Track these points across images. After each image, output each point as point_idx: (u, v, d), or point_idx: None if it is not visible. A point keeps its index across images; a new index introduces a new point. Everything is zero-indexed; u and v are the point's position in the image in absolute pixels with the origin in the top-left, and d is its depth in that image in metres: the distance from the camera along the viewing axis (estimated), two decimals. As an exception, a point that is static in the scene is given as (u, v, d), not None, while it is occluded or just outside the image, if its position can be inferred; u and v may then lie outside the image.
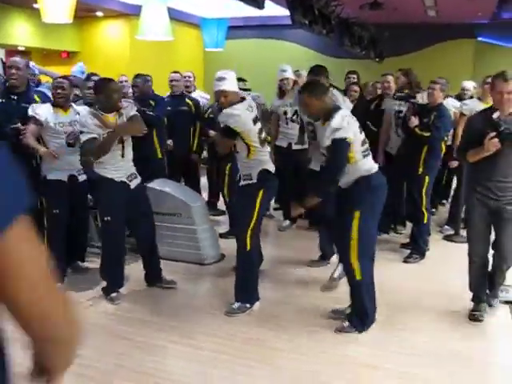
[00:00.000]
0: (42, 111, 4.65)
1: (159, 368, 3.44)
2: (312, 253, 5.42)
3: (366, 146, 3.85)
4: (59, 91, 4.72)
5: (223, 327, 4.00)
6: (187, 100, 6.68)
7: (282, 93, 6.39)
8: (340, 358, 3.58)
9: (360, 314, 3.92)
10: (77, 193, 4.87)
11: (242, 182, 4.22)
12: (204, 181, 7.40)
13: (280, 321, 4.12)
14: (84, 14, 10.82)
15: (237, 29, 12.33)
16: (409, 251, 5.62)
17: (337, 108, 3.83)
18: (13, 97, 4.78)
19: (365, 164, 3.80)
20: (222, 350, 3.65)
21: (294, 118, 6.28)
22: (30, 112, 4.61)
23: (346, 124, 3.66)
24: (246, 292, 4.25)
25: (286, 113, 6.35)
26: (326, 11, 7.25)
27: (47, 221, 4.76)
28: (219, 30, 11.65)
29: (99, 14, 11.27)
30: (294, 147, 6.24)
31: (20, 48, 11.43)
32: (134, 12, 10.67)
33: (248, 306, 4.24)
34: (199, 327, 4.00)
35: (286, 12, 9.35)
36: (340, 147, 3.66)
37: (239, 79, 5.85)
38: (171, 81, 6.73)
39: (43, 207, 4.75)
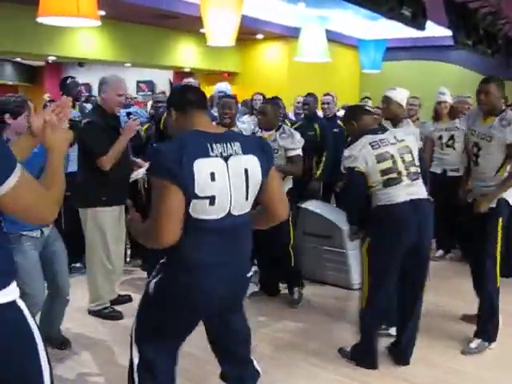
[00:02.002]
0: None
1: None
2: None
3: (391, 175, 3.48)
4: (227, 111, 4.77)
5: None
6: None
7: (437, 116, 6.16)
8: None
9: None
10: None
11: None
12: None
13: (432, 355, 3.93)
14: (245, 37, 11.27)
15: (394, 50, 12.12)
16: None
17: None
18: None
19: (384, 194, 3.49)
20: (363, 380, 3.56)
21: (450, 142, 6.02)
22: None
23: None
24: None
25: (441, 137, 6.09)
26: (493, 30, 6.87)
27: None
28: (376, 51, 11.53)
29: (259, 36, 11.68)
30: (449, 174, 5.98)
31: (186, 69, 12.19)
32: (292, 34, 10.92)
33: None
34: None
35: (445, 32, 9.01)
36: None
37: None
38: (323, 103, 6.75)
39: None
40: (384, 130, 3.65)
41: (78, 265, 5.49)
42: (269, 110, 4.72)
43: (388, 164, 3.48)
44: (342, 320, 4.58)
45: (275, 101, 5.56)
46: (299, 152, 4.72)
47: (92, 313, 4.46)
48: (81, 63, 14.44)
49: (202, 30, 9.69)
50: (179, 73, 12.90)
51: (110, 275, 4.48)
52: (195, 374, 3.53)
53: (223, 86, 7.34)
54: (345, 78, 12.78)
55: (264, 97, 7.19)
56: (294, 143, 4.69)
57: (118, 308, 4.52)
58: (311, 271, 5.28)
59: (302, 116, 6.69)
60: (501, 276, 5.20)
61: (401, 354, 3.75)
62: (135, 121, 4.48)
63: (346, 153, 3.56)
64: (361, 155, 3.47)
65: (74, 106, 5.64)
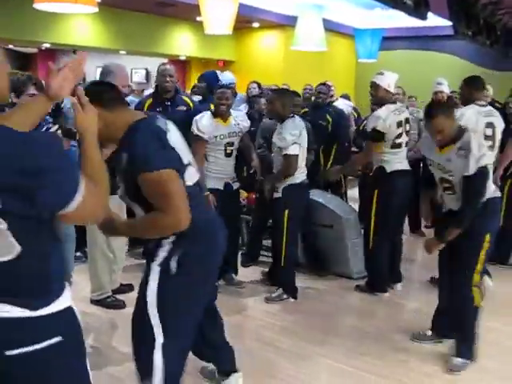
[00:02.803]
0: (205, 126, 4.60)
1: (297, 377, 3.46)
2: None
3: None
4: (223, 101, 4.67)
5: (372, 346, 3.93)
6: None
7: None
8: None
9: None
10: (232, 201, 4.88)
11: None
12: (352, 193, 7.34)
13: (436, 347, 3.96)
14: (241, 25, 11.20)
15: (391, 40, 12.09)
16: None
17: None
18: (167, 103, 5.00)
19: None
20: (371, 370, 3.58)
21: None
22: (195, 131, 4.59)
23: None
24: None
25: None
26: (492, 20, 6.87)
27: None
28: (373, 40, 11.50)
29: (255, 24, 11.62)
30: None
31: (181, 57, 12.13)
32: (289, 23, 10.87)
33: None
34: (347, 343, 3.97)
35: (443, 22, 9.02)
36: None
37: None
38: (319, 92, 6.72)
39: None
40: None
41: (77, 254, 5.47)
42: (273, 99, 4.66)
43: None
44: (343, 310, 4.62)
45: (284, 90, 5.50)
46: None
47: (94, 302, 4.45)
48: (75, 50, 14.29)
49: (198, 18, 9.64)
50: (175, 61, 12.82)
51: (111, 264, 4.47)
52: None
53: (230, 77, 7.32)
54: (341, 67, 12.75)
55: (259, 85, 7.17)
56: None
57: (119, 297, 4.52)
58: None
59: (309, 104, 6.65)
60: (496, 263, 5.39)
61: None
62: None
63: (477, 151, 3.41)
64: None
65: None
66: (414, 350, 3.88)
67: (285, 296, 4.74)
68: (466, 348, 3.63)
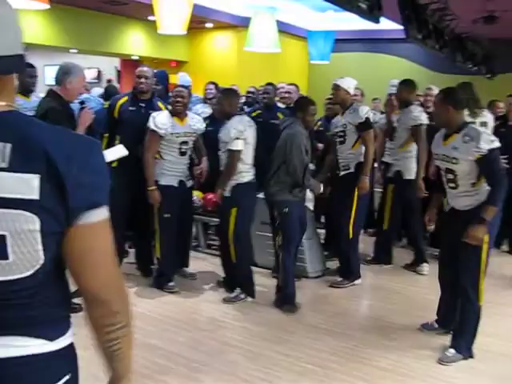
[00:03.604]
0: (162, 122, 4.75)
1: (258, 376, 3.49)
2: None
3: None
4: (179, 99, 4.80)
5: (329, 342, 3.99)
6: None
7: (388, 108, 6.30)
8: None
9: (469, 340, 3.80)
10: (185, 198, 5.04)
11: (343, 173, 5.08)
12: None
13: (386, 340, 4.05)
14: (194, 26, 11.15)
15: (343, 42, 12.28)
16: None
17: None
18: (141, 104, 5.03)
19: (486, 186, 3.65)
20: (326, 366, 3.64)
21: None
22: (152, 125, 4.72)
23: None
24: None
25: (393, 129, 6.23)
26: (440, 26, 7.08)
27: (159, 224, 4.94)
28: (325, 42, 11.63)
29: (209, 25, 11.59)
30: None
31: (133, 57, 11.99)
32: (242, 24, 10.89)
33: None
34: (306, 341, 4.02)
35: (394, 26, 9.23)
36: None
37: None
38: (286, 92, 6.78)
39: (153, 211, 4.93)
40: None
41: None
42: (221, 100, 4.79)
43: None
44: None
45: (230, 90, 5.54)
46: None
47: None
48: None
49: (150, 18, 9.55)
50: (127, 60, 12.67)
51: None
52: (165, 366, 3.55)
53: (186, 79, 7.35)
54: (294, 68, 12.85)
55: (216, 86, 7.17)
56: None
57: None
58: (270, 262, 5.32)
59: (261, 105, 6.67)
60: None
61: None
62: (90, 110, 4.41)
63: (489, 136, 3.63)
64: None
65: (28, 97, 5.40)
66: (375, 345, 3.97)
67: (242, 296, 4.77)
68: (463, 342, 3.76)
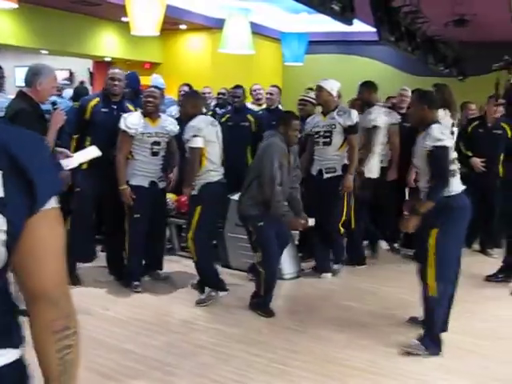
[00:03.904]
0: (132, 122, 4.80)
1: (233, 378, 3.47)
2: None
3: (454, 166, 3.89)
4: (150, 99, 4.86)
5: (303, 343, 3.99)
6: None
7: (357, 109, 6.34)
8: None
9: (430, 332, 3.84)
10: (157, 199, 5.03)
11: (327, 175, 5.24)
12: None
13: (360, 340, 4.07)
14: (168, 27, 11.09)
15: (317, 44, 12.32)
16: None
17: None
18: (113, 106, 5.00)
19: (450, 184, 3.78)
20: (299, 366, 3.64)
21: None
22: (122, 126, 4.78)
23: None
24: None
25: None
26: (412, 28, 7.15)
27: (128, 225, 4.94)
28: (299, 44, 11.68)
29: (182, 26, 11.54)
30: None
31: (106, 59, 11.88)
32: (216, 25, 10.87)
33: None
34: (279, 342, 4.01)
35: (367, 28, 9.29)
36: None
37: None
38: (268, 93, 6.82)
39: (124, 211, 4.93)
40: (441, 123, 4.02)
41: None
42: (184, 103, 4.95)
43: (454, 155, 3.94)
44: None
45: (193, 92, 5.54)
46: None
47: None
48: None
49: (123, 19, 9.48)
50: (100, 62, 12.55)
51: None
52: (138, 369, 3.52)
53: (160, 81, 7.34)
54: (268, 70, 12.85)
55: (190, 88, 7.15)
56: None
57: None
58: (244, 264, 5.29)
59: (230, 108, 6.66)
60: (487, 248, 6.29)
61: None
62: (62, 111, 4.36)
63: (437, 134, 3.77)
64: (448, 139, 3.85)
65: None
66: (348, 345, 3.98)
67: (213, 294, 4.75)
68: (426, 335, 3.81)
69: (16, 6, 6.01)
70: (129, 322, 4.32)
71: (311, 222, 4.77)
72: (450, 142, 3.88)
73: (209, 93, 7.67)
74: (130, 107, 5.18)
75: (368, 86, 5.77)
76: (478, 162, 6.13)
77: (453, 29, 8.69)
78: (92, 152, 4.65)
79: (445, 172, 3.77)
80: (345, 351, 3.89)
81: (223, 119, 6.19)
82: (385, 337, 4.15)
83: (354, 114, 5.29)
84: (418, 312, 4.27)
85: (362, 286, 5.28)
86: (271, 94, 6.68)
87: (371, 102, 5.71)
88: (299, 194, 4.79)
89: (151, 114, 4.89)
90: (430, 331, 3.82)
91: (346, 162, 5.30)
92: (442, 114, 5.82)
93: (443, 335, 3.88)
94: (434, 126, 3.84)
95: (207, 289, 4.78)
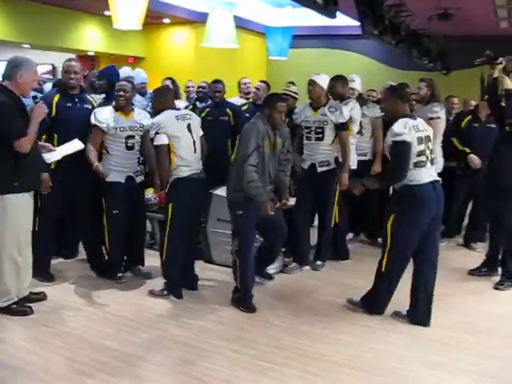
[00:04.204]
0: (104, 117, 4.80)
1: (215, 376, 3.43)
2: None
3: (421, 158, 4.10)
4: (121, 93, 4.85)
5: (286, 339, 3.96)
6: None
7: None
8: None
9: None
10: (134, 194, 5.01)
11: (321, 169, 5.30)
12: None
13: (343, 335, 4.05)
14: (151, 21, 11.00)
15: (301, 38, 12.29)
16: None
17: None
18: (76, 99, 4.92)
19: (412, 174, 4.05)
20: (283, 363, 3.61)
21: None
22: (93, 120, 4.77)
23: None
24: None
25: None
26: (396, 22, 7.13)
27: (107, 221, 4.92)
28: (284, 38, 11.65)
29: (166, 20, 11.45)
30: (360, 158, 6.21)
31: (90, 53, 11.76)
32: (200, 19, 10.80)
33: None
34: (261, 338, 3.97)
35: (352, 22, 9.27)
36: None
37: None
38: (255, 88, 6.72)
39: (101, 208, 4.93)
40: (414, 117, 4.23)
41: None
42: (154, 98, 4.97)
43: (421, 147, 4.09)
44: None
45: (162, 88, 5.48)
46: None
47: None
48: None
49: (106, 13, 9.37)
50: (82, 56, 12.40)
51: (19, 270, 4.23)
52: (119, 367, 3.47)
53: (142, 76, 7.33)
54: (252, 64, 12.80)
55: (173, 82, 7.09)
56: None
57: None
58: (227, 259, 5.23)
59: (210, 102, 6.60)
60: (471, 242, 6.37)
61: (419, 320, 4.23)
62: (43, 104, 4.30)
63: (397, 129, 4.03)
64: (409, 133, 4.03)
65: None
66: (330, 341, 3.96)
67: (165, 292, 4.69)
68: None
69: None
70: (109, 318, 4.26)
71: (292, 201, 4.80)
72: (409, 136, 4.02)
73: (192, 87, 7.61)
74: (89, 97, 5.13)
75: (338, 79, 5.68)
76: (476, 159, 6.17)
77: (437, 22, 8.69)
78: (75, 145, 4.60)
79: (400, 165, 4.04)
80: (329, 347, 3.86)
81: (203, 114, 6.14)
82: (368, 331, 4.13)
83: (346, 110, 5.34)
84: (403, 306, 4.28)
85: (347, 281, 5.26)
86: (258, 89, 6.62)
87: (344, 95, 5.65)
88: (287, 178, 4.77)
89: (123, 107, 4.88)
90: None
91: (336, 154, 5.38)
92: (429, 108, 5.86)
93: (425, 329, 3.87)
94: (399, 121, 4.07)
95: (164, 285, 4.71)
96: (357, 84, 6.32)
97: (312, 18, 9.46)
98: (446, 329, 4.19)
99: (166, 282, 4.71)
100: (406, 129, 4.01)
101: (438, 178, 4.19)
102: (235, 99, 7.07)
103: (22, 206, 4.13)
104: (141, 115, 5.03)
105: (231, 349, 3.79)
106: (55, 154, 4.47)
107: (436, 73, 10.07)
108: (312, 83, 5.36)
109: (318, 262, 5.62)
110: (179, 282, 4.72)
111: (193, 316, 4.36)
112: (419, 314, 4.21)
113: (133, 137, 4.89)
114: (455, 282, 5.29)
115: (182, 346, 3.84)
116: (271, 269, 5.31)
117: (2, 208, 4.03)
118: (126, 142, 4.86)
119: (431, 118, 5.72)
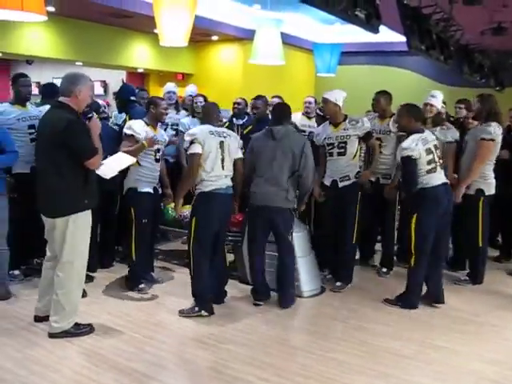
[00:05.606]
0: (139, 128, 5.01)
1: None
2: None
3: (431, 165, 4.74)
4: (166, 111, 5.33)
5: (315, 368, 3.78)
6: None
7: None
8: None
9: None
10: (158, 204, 5.37)
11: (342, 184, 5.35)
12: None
13: (378, 366, 3.84)
14: (199, 38, 11.12)
15: (350, 54, 12.13)
16: None
17: None
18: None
19: (426, 179, 4.73)
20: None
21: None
22: (129, 130, 4.99)
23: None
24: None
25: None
26: (445, 36, 6.88)
27: (136, 230, 5.06)
28: (332, 55, 11.48)
29: (214, 38, 11.52)
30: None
31: (139, 70, 11.94)
32: (247, 36, 10.80)
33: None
34: (292, 366, 3.81)
35: (401, 38, 9.04)
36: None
37: None
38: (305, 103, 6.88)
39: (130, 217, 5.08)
40: (423, 130, 4.88)
41: (16, 272, 5.22)
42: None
43: (430, 157, 4.72)
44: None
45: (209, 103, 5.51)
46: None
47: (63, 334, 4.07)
48: (29, 61, 13.97)
49: (156, 31, 9.48)
50: (132, 73, 12.62)
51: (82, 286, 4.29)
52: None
53: (171, 87, 7.44)
54: (300, 81, 12.72)
55: (205, 99, 7.04)
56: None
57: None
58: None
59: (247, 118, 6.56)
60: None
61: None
62: (97, 119, 4.40)
63: (406, 145, 4.70)
64: (417, 149, 4.68)
65: (24, 106, 5.31)
66: (364, 371, 3.76)
67: (196, 309, 4.62)
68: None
69: (45, 18, 5.97)
70: (136, 338, 4.18)
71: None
72: (417, 152, 4.67)
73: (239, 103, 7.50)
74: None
75: (383, 95, 5.87)
76: None
77: (489, 37, 8.37)
78: (124, 160, 4.54)
79: (409, 177, 4.79)
80: (361, 378, 3.66)
81: (245, 131, 6.09)
82: (405, 361, 3.91)
83: (366, 121, 5.44)
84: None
85: (388, 308, 5.01)
86: (310, 102, 6.79)
87: (387, 111, 5.86)
88: (309, 182, 4.88)
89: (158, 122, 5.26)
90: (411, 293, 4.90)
91: (358, 169, 5.44)
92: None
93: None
94: (409, 138, 4.71)
95: (194, 302, 4.67)
96: (436, 101, 5.84)
97: (360, 35, 9.30)
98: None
99: (196, 299, 4.66)
100: (414, 144, 4.65)
101: (447, 181, 4.92)
102: (296, 115, 6.83)
103: (89, 222, 4.13)
104: (161, 131, 5.40)
105: (256, 375, 3.63)
106: (108, 171, 4.28)
107: (489, 89, 9.72)
108: (324, 101, 5.43)
109: (338, 284, 5.42)
110: (207, 297, 4.67)
111: (220, 339, 4.22)
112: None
113: (159, 150, 5.16)
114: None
115: (209, 371, 3.71)
116: (306, 291, 5.14)
117: (75, 227, 4.00)
118: (155, 155, 5.12)
119: (483, 139, 5.46)
